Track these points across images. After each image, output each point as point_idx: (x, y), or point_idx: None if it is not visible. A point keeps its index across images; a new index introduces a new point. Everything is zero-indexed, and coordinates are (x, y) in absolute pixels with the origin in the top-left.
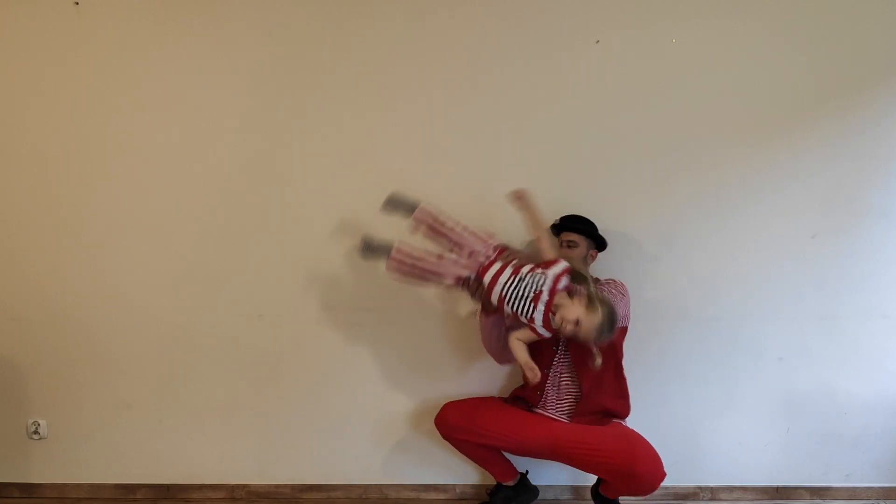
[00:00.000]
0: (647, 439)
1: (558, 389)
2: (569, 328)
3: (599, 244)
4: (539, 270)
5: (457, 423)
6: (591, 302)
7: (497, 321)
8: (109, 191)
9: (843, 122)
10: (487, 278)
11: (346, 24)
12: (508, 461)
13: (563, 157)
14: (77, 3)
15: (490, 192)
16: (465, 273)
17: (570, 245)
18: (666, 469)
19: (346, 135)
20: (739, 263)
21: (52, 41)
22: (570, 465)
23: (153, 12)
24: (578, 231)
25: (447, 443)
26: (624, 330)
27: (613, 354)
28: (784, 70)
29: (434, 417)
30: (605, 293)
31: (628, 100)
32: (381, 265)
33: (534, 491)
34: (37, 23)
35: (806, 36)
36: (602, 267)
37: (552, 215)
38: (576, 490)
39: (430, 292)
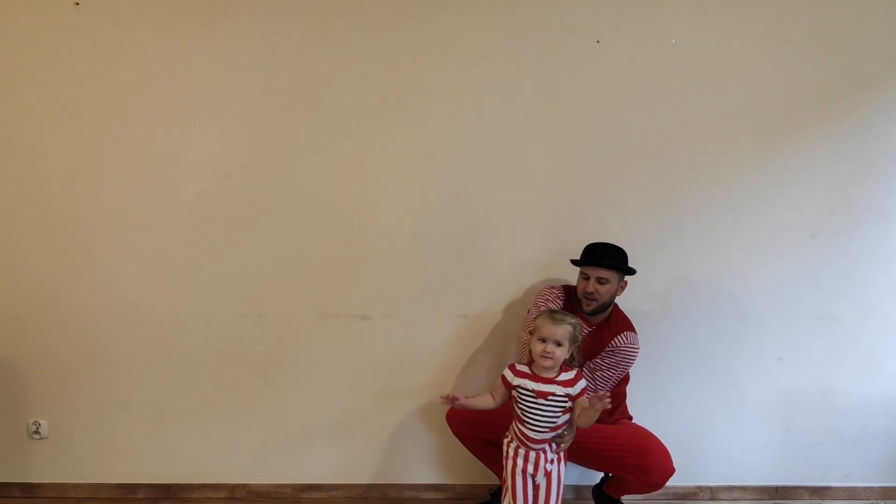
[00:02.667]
0: None
1: None
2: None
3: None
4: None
5: (468, 419)
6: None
7: None
8: (109, 191)
9: (843, 123)
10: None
11: (347, 24)
12: None
13: (562, 156)
14: (77, 3)
15: (490, 193)
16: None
17: (601, 282)
18: None
19: (346, 136)
20: (739, 263)
21: (52, 41)
22: (580, 460)
23: (153, 12)
24: (608, 267)
25: (447, 443)
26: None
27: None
28: (783, 71)
29: (433, 418)
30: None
31: (628, 100)
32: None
33: None
34: (37, 23)
35: (805, 37)
36: None
37: (551, 215)
38: (577, 490)
39: (431, 293)
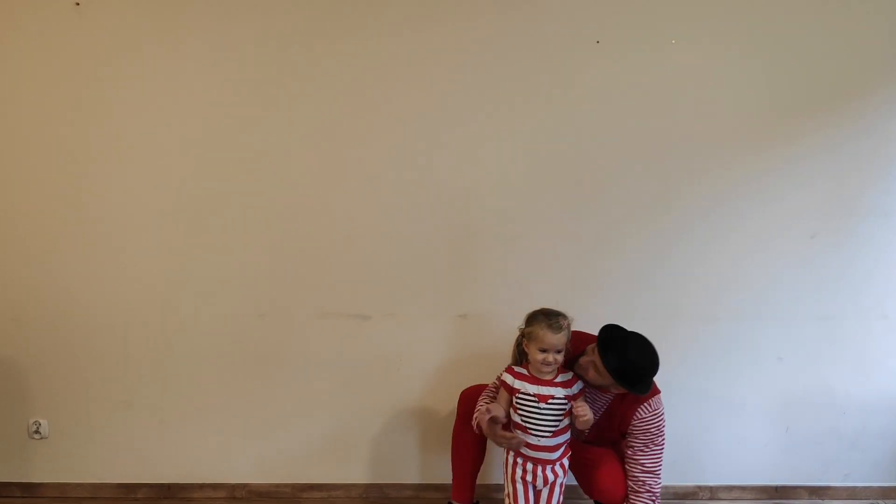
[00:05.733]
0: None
1: None
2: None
3: None
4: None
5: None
6: None
7: None
8: (109, 191)
9: (843, 123)
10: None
11: (347, 22)
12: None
13: (562, 157)
14: (77, 4)
15: (490, 192)
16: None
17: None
18: (666, 468)
19: (346, 134)
20: (739, 264)
21: (52, 41)
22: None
23: (153, 12)
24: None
25: (447, 443)
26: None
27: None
28: (784, 71)
29: (433, 418)
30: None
31: (628, 100)
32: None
33: None
34: (37, 23)
35: (805, 37)
36: (603, 267)
37: (551, 214)
38: (578, 491)
39: (431, 293)
